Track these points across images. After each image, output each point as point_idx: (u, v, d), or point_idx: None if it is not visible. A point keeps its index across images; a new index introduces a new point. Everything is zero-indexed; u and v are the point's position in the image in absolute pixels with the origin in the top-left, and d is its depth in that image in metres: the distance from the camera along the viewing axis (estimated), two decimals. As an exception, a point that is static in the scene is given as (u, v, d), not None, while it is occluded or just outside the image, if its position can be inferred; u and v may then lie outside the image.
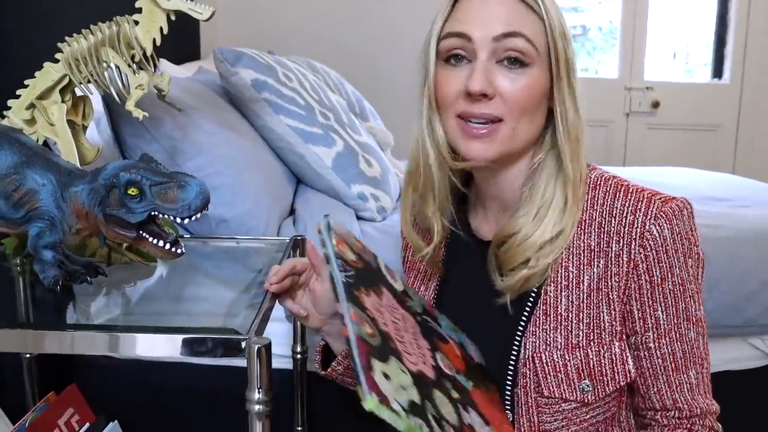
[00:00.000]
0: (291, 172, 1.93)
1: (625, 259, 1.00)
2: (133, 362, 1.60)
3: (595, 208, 1.04)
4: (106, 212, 0.98)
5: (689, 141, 4.41)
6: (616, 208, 1.02)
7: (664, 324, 1.02)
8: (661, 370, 1.03)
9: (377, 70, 3.37)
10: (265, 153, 1.85)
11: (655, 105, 4.37)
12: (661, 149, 4.36)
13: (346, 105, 2.29)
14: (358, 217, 1.83)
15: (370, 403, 0.70)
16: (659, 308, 1.01)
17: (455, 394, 0.91)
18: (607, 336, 1.02)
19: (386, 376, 0.77)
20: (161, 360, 1.59)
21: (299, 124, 1.85)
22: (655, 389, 1.05)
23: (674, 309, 1.01)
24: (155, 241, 1.01)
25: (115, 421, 1.45)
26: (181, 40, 3.02)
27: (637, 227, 0.99)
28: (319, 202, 1.82)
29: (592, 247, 1.03)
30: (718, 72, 4.49)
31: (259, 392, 0.89)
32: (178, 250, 1.02)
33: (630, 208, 1.01)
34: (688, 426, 1.04)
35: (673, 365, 1.03)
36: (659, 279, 1.00)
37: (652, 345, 1.03)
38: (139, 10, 1.30)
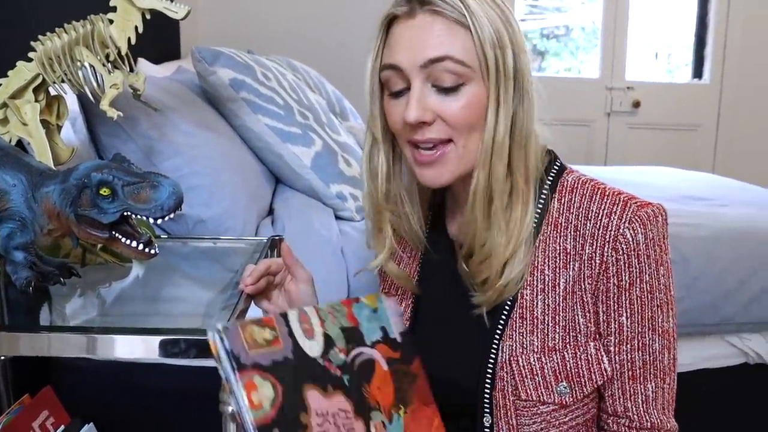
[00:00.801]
0: (270, 172, 1.93)
1: (597, 261, 1.00)
2: (110, 363, 1.59)
3: (572, 211, 1.03)
4: (78, 213, 0.97)
5: (670, 140, 4.44)
6: (592, 210, 1.01)
7: (627, 330, 1.00)
8: (617, 375, 1.02)
9: (358, 70, 3.34)
10: (244, 153, 1.84)
11: (636, 105, 4.39)
12: (642, 149, 4.38)
13: (326, 104, 2.29)
14: (337, 217, 1.82)
15: None
16: (624, 314, 1.00)
17: None
18: (582, 338, 1.02)
19: None
20: (138, 361, 1.57)
21: (278, 124, 1.84)
22: (609, 393, 1.04)
23: (639, 317, 1.00)
24: (128, 242, 0.99)
25: (91, 423, 1.44)
26: (161, 39, 3.01)
27: (611, 230, 0.99)
28: (298, 202, 1.82)
29: (568, 250, 1.02)
30: (698, 72, 4.52)
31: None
32: (152, 251, 1.01)
33: (605, 211, 1.00)
34: None
35: (630, 373, 1.02)
36: (627, 284, 0.99)
37: (612, 349, 1.02)
38: (114, 9, 1.29)
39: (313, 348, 0.89)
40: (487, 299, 1.04)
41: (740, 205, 2.23)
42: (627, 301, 0.99)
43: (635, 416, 1.03)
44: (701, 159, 4.42)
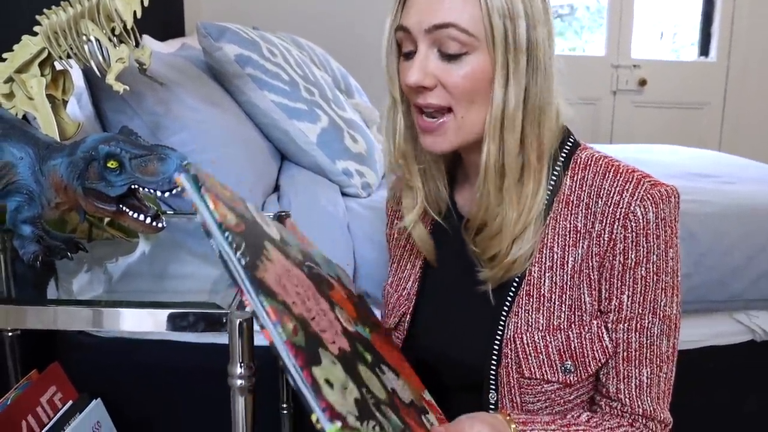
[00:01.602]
0: (276, 148, 1.92)
1: (606, 238, 0.99)
2: (116, 340, 1.59)
3: (584, 188, 1.02)
4: (85, 186, 0.97)
5: (676, 119, 4.41)
6: (604, 188, 1.00)
7: (626, 309, 0.99)
8: (611, 354, 1.01)
9: (363, 47, 3.33)
10: (249, 129, 1.83)
11: (642, 83, 4.36)
12: (648, 127, 4.36)
13: (331, 81, 2.28)
14: (343, 194, 1.82)
15: None
16: (626, 291, 0.99)
17: (368, 357, 0.89)
18: (587, 317, 1.01)
19: (329, 384, 0.71)
20: (144, 338, 1.58)
21: (283, 100, 1.83)
22: (603, 371, 1.02)
23: (641, 297, 0.98)
24: (135, 215, 0.99)
25: (98, 399, 1.44)
26: (165, 16, 2.99)
27: (622, 207, 0.97)
28: (304, 179, 1.81)
29: (578, 228, 1.01)
30: (704, 50, 4.49)
31: (241, 367, 0.88)
32: (159, 224, 1.01)
33: (617, 189, 0.99)
34: (630, 421, 1.01)
35: (625, 354, 1.00)
36: (633, 263, 0.98)
37: (610, 326, 1.00)
38: (120, -18, 1.27)
39: (271, 232, 0.90)
40: (493, 275, 1.03)
41: (747, 182, 2.22)
42: (631, 279, 0.98)
43: (627, 400, 1.01)
44: (707, 137, 4.40)
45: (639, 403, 1.01)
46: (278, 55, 1.93)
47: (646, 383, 1.01)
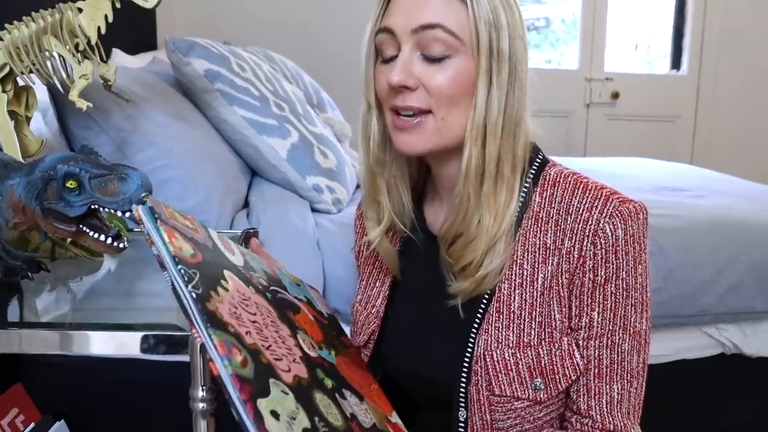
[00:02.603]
0: (245, 164, 1.91)
1: (575, 255, 0.98)
2: (81, 359, 1.56)
3: (553, 205, 1.02)
4: (44, 206, 0.95)
5: (648, 131, 4.45)
6: (573, 205, 1.00)
7: (597, 326, 0.99)
8: (582, 371, 1.00)
9: (336, 61, 3.34)
10: (219, 144, 1.82)
11: (615, 96, 4.40)
12: (621, 140, 4.40)
13: (303, 96, 2.27)
14: (314, 209, 1.81)
15: None
16: (596, 308, 0.98)
17: (329, 382, 0.88)
18: (557, 334, 1.00)
19: (274, 415, 0.71)
20: (110, 356, 1.55)
21: (253, 115, 1.82)
22: (574, 389, 1.02)
23: (611, 314, 0.98)
24: (96, 235, 0.97)
25: (62, 420, 1.42)
26: (137, 29, 2.97)
27: (591, 224, 0.97)
28: (274, 194, 1.80)
29: (548, 245, 1.01)
30: (676, 63, 4.54)
31: (203, 390, 0.87)
32: (120, 245, 0.99)
33: (586, 205, 0.99)
34: None
35: (596, 370, 1.00)
36: (603, 279, 0.97)
37: (581, 344, 1.00)
38: (84, -2, 1.26)
39: (234, 258, 0.91)
40: (464, 289, 1.02)
41: (717, 195, 2.24)
42: (600, 296, 0.98)
43: (598, 416, 1.00)
44: (679, 150, 4.44)
45: (610, 419, 1.00)
46: (248, 70, 1.92)
47: (617, 399, 1.00)
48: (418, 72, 0.98)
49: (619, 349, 0.99)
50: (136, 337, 0.90)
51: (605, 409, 1.00)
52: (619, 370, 1.00)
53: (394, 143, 1.04)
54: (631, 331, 0.99)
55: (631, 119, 4.45)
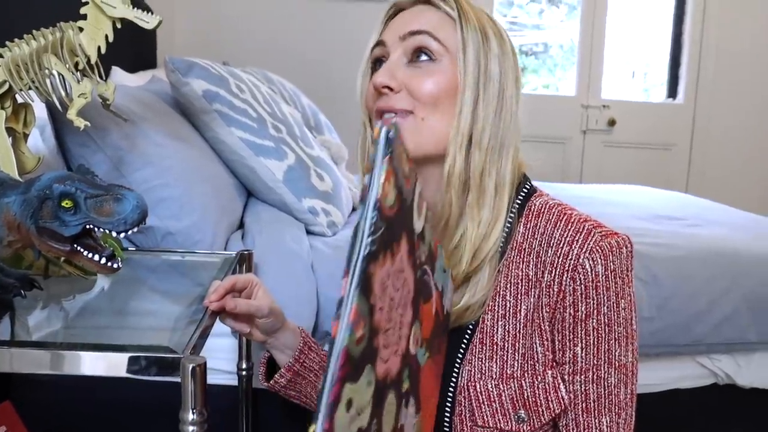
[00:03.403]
0: (242, 185, 1.91)
1: (555, 289, 0.98)
2: (72, 377, 1.55)
3: (535, 237, 1.02)
4: (39, 224, 0.95)
5: (644, 159, 4.47)
6: (554, 237, 0.99)
7: (581, 362, 0.98)
8: (571, 406, 1.00)
9: (335, 84, 3.35)
10: (216, 165, 1.82)
11: (612, 123, 4.42)
12: (617, 167, 4.41)
13: (300, 118, 2.27)
14: (309, 232, 1.81)
15: None
16: (579, 344, 0.98)
17: (406, 385, 0.86)
18: (540, 366, 1.00)
19: (349, 404, 0.70)
20: (102, 375, 1.54)
21: (250, 137, 1.82)
22: (563, 423, 1.01)
23: (595, 349, 0.97)
24: (90, 255, 0.97)
25: (51, 439, 1.41)
26: (137, 47, 2.98)
27: (571, 259, 0.97)
28: (269, 216, 1.80)
29: (530, 277, 1.01)
30: (672, 92, 4.56)
31: (193, 413, 0.87)
32: (114, 265, 0.99)
33: (567, 239, 0.98)
34: None
35: (584, 405, 0.99)
36: (584, 315, 0.97)
37: (566, 378, 0.99)
38: (85, 17, 1.27)
39: (417, 222, 0.89)
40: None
41: (712, 225, 2.25)
42: (583, 332, 0.97)
43: None
44: (675, 178, 4.46)
45: None
46: (246, 92, 1.93)
47: (606, 431, 1.00)
48: (402, 75, 1.01)
49: (605, 383, 0.99)
50: (128, 358, 0.90)
51: None
52: (606, 404, 0.99)
53: None
54: (617, 364, 0.98)
55: (628, 147, 4.47)
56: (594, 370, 0.98)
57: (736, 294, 1.78)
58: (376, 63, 1.06)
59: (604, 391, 0.99)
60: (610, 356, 0.98)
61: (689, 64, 4.44)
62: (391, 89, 1.00)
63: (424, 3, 1.04)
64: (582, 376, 0.99)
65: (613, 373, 0.99)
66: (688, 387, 1.80)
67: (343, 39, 3.78)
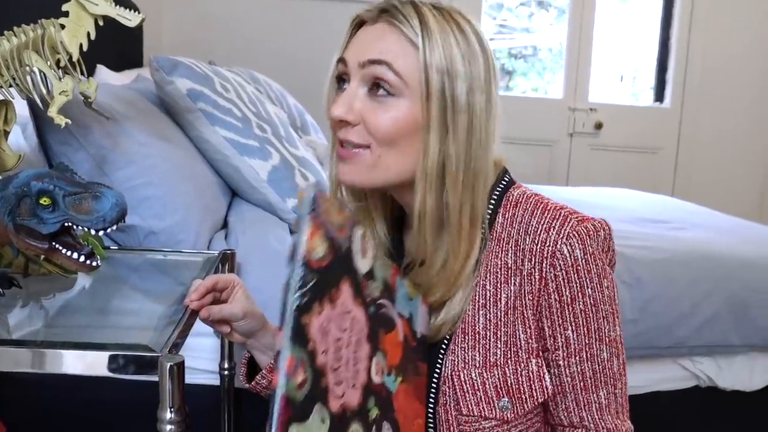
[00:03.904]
0: (226, 185, 1.90)
1: (537, 277, 0.99)
2: (53, 376, 1.54)
3: (513, 225, 1.02)
4: (17, 222, 0.95)
5: (631, 163, 4.49)
6: (532, 225, 1.00)
7: (574, 343, 1.00)
8: (569, 388, 1.02)
9: (321, 84, 3.35)
10: (200, 164, 1.82)
11: (599, 126, 4.44)
12: (604, 170, 4.42)
13: (286, 118, 2.27)
14: (293, 232, 1.80)
15: None
16: (569, 327, 0.99)
17: (374, 413, 0.90)
18: (524, 354, 1.01)
19: None
20: (84, 374, 1.54)
21: (235, 136, 1.82)
22: (563, 406, 1.03)
23: (585, 329, 1.00)
24: (68, 253, 0.97)
25: (30, 439, 1.40)
26: (123, 46, 2.97)
27: (549, 246, 0.98)
28: (254, 216, 1.79)
29: (509, 265, 1.02)
30: (659, 96, 4.59)
31: (171, 411, 0.86)
32: (93, 263, 0.99)
33: (544, 227, 0.99)
34: None
35: (582, 384, 1.02)
36: (569, 299, 0.98)
37: (561, 363, 1.01)
38: (67, 14, 1.26)
39: (360, 264, 0.94)
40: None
41: (697, 228, 2.26)
42: (571, 315, 0.99)
43: (591, 424, 1.02)
44: (661, 181, 4.47)
45: (602, 423, 1.02)
46: (231, 91, 1.93)
47: (605, 403, 1.02)
48: (359, 107, 0.97)
49: (599, 359, 1.01)
50: (106, 356, 0.89)
51: (596, 416, 1.02)
52: (602, 378, 1.02)
53: (337, 173, 1.03)
54: (607, 340, 1.01)
55: (614, 150, 4.48)
56: (587, 349, 1.00)
57: (719, 297, 1.79)
58: (339, 80, 1.03)
59: (599, 366, 1.01)
60: (600, 333, 1.00)
61: (676, 69, 4.46)
62: (348, 122, 0.98)
63: (387, 20, 0.98)
64: (576, 358, 1.00)
65: (604, 348, 1.01)
66: (670, 389, 1.80)
67: (330, 39, 3.73)
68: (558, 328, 1.00)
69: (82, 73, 1.30)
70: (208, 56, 2.79)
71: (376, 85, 0.97)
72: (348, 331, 0.88)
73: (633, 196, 2.99)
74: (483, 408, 1.01)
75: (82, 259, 0.98)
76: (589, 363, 1.01)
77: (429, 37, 0.96)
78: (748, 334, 1.80)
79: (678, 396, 1.80)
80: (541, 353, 1.02)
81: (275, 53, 3.81)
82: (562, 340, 1.00)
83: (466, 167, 0.98)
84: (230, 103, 1.87)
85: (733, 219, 2.53)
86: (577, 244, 0.97)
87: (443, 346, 1.04)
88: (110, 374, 1.22)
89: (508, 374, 1.01)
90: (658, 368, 1.77)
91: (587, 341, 1.00)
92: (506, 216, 1.04)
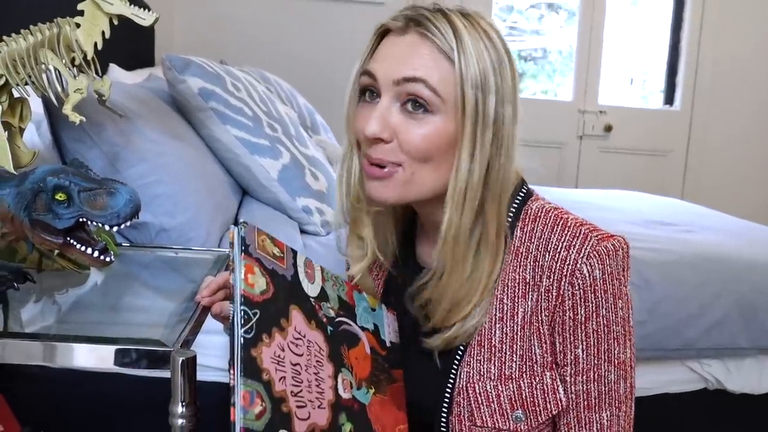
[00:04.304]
0: (236, 183, 1.92)
1: (554, 294, 0.99)
2: (65, 371, 1.56)
3: (532, 240, 1.02)
4: (33, 217, 0.96)
5: (640, 165, 4.48)
6: (552, 242, 1.00)
7: (582, 362, 1.00)
8: (572, 404, 1.02)
9: (331, 85, 3.36)
10: (211, 163, 1.83)
11: (608, 129, 4.43)
12: (613, 172, 4.42)
13: (296, 117, 2.28)
14: (302, 231, 1.81)
15: None
16: (580, 346, 0.99)
17: (347, 428, 0.92)
18: (539, 368, 1.01)
19: None
20: (94, 369, 1.55)
21: (246, 135, 1.83)
22: (564, 421, 1.03)
23: (595, 350, 0.99)
24: (83, 248, 0.98)
25: (42, 432, 1.41)
26: (136, 45, 2.99)
27: (568, 264, 0.98)
28: (264, 214, 1.81)
29: (527, 280, 1.01)
30: (669, 98, 4.58)
31: (182, 405, 0.87)
32: (107, 258, 1.00)
33: (564, 244, 0.99)
34: None
35: (585, 403, 1.01)
36: (583, 318, 0.98)
37: (568, 379, 1.01)
38: (82, 13, 1.27)
39: (309, 289, 0.95)
40: (435, 346, 1.04)
41: (706, 231, 2.25)
42: (583, 334, 0.99)
43: None
44: (670, 184, 4.47)
45: None
46: (242, 90, 1.94)
47: (606, 425, 1.02)
48: (394, 123, 0.96)
49: (605, 380, 1.00)
50: (119, 351, 0.90)
51: None
52: (607, 399, 1.01)
53: (366, 189, 1.02)
54: (616, 362, 1.00)
55: (624, 152, 4.47)
56: (594, 369, 1.00)
57: (728, 299, 1.79)
58: (364, 92, 1.01)
59: (605, 387, 1.01)
60: (610, 355, 1.00)
61: (686, 72, 4.45)
62: (382, 140, 0.97)
63: (418, 32, 0.96)
64: (584, 376, 1.00)
65: (612, 370, 1.00)
66: (678, 391, 1.80)
67: (341, 40, 3.79)
68: (569, 346, 1.00)
69: (96, 72, 1.31)
70: (219, 56, 2.81)
71: (409, 101, 0.95)
72: (306, 355, 0.89)
73: (642, 199, 2.99)
74: (497, 420, 1.01)
75: (96, 254, 0.99)
76: (595, 384, 1.01)
77: (464, 51, 0.94)
78: (756, 336, 1.80)
79: (686, 398, 1.80)
80: (555, 366, 1.02)
81: (285, 53, 3.82)
82: (572, 357, 1.00)
83: (494, 179, 0.98)
84: (241, 102, 1.88)
85: (743, 222, 2.52)
86: (597, 264, 0.97)
87: (458, 357, 1.04)
88: (122, 369, 1.24)
89: (523, 387, 1.01)
90: (666, 370, 1.77)
91: (596, 362, 1.00)
92: (525, 230, 1.04)
